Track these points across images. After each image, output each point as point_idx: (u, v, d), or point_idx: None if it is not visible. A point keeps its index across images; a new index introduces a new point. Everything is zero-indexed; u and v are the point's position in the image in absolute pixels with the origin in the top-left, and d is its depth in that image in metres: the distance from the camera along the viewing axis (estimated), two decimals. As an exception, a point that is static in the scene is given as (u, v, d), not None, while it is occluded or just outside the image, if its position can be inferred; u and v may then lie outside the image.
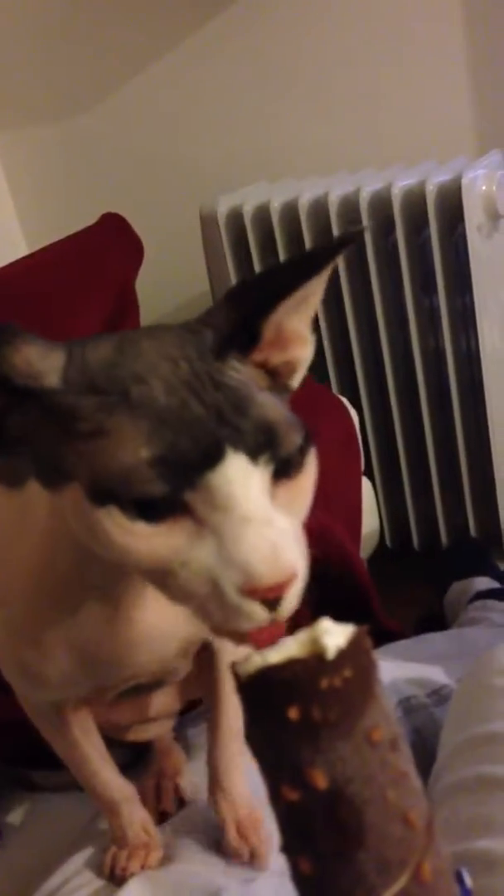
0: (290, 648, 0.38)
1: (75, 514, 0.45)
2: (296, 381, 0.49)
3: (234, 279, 1.48)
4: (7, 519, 0.56)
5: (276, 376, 0.47)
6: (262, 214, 1.42)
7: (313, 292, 0.47)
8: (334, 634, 0.38)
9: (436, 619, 1.40)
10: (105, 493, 0.42)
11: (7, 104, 1.78)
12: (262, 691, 0.37)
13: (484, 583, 1.39)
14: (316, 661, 0.37)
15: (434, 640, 1.19)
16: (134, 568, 0.45)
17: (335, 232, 1.36)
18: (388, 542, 1.56)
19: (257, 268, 1.45)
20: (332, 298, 1.43)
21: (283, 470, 0.44)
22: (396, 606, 1.30)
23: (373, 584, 1.24)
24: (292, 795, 0.36)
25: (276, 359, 0.47)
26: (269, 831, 0.71)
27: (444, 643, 1.19)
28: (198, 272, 1.51)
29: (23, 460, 0.50)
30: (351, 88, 1.50)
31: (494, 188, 1.29)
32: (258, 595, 0.41)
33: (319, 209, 1.38)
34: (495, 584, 1.39)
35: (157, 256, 1.53)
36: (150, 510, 0.42)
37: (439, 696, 0.96)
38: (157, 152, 1.67)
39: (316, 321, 1.42)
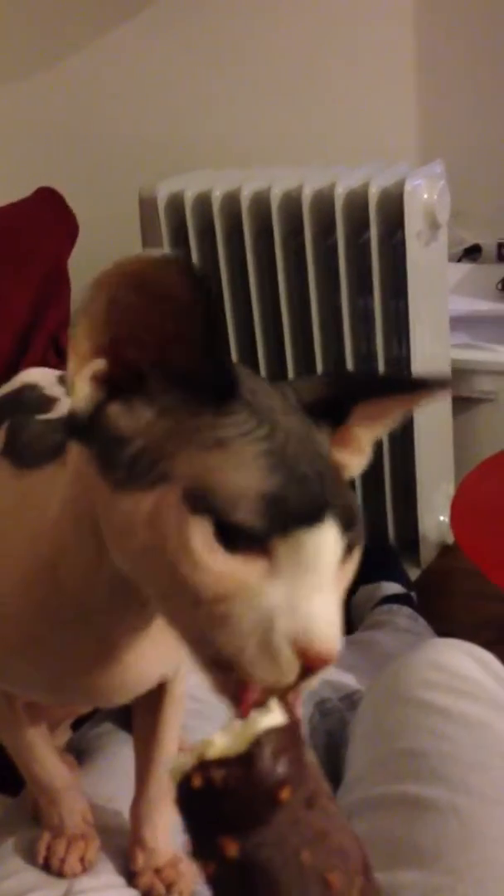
0: (223, 744, 0.37)
1: (147, 521, 0.43)
2: None
3: (170, 266, 1.45)
4: (2, 502, 0.53)
5: None
6: (204, 202, 1.39)
7: (396, 414, 0.50)
8: (269, 724, 0.38)
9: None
10: (204, 505, 0.41)
11: None
12: (192, 795, 0.37)
13: (392, 588, 1.41)
14: (248, 771, 0.36)
15: (344, 644, 1.19)
16: (180, 589, 0.43)
17: (276, 226, 1.35)
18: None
19: (195, 256, 1.43)
20: (268, 295, 1.42)
21: (345, 554, 0.45)
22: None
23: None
24: (209, 869, 0.35)
25: (335, 456, 0.49)
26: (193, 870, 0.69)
27: (354, 648, 1.19)
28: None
29: (50, 444, 0.50)
30: (300, 83, 1.48)
31: (436, 197, 1.30)
32: (302, 655, 0.42)
33: (261, 202, 1.36)
34: (402, 590, 1.41)
35: (92, 236, 1.49)
36: (235, 538, 0.42)
37: (351, 700, 0.97)
38: (99, 128, 1.62)
39: (249, 316, 1.42)
